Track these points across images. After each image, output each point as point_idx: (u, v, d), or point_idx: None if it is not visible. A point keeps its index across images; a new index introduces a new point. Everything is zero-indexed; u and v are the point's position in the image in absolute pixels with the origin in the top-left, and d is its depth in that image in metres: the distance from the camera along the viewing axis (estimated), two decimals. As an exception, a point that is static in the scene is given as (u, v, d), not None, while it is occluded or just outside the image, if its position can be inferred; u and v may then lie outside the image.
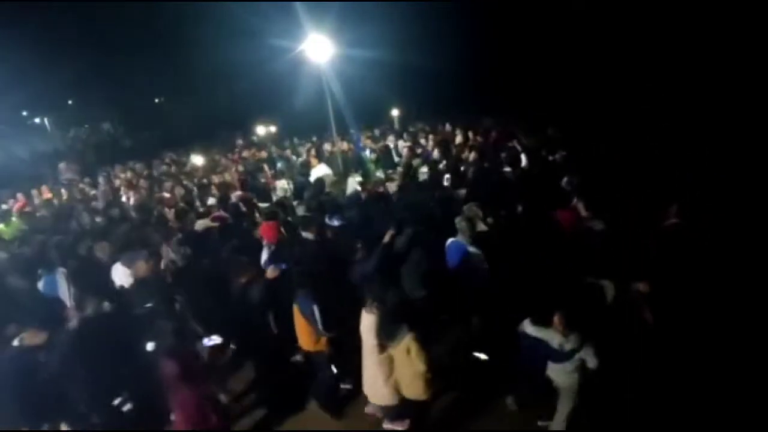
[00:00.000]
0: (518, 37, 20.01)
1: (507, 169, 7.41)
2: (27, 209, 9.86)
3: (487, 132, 11.10)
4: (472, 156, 8.17)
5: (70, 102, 32.99)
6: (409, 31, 19.79)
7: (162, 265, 4.80)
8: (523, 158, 7.74)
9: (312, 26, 8.94)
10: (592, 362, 3.24)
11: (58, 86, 24.30)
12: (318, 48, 8.55)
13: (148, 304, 3.97)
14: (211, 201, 7.98)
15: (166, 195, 8.92)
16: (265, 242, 4.82)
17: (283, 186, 8.58)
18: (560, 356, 3.29)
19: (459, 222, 4.46)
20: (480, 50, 20.18)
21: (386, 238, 4.45)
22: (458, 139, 10.56)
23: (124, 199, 10.05)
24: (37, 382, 3.28)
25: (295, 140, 14.88)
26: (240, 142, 18.00)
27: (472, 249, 4.33)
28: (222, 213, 6.36)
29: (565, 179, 6.17)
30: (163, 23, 24.30)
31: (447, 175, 7.01)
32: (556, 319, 3.25)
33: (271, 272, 4.31)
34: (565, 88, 16.23)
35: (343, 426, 4.09)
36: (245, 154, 13.69)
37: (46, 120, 32.37)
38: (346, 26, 11.51)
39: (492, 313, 4.31)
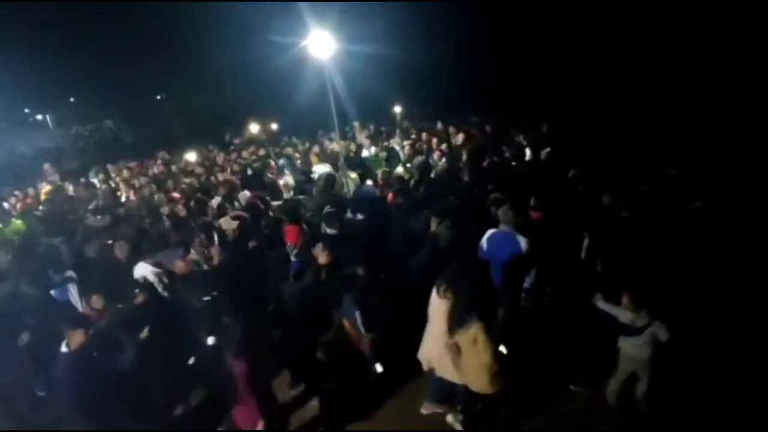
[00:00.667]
0: (519, 35, 19.87)
1: (512, 163, 7.49)
2: (28, 204, 9.84)
3: (482, 129, 11.11)
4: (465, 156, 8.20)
5: (71, 99, 32.94)
6: (413, 27, 19.60)
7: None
8: (528, 152, 7.90)
9: (314, 22, 8.87)
10: (663, 335, 3.35)
11: (60, 83, 24.30)
12: (320, 44, 8.52)
13: (206, 298, 4.01)
14: (214, 201, 7.99)
15: (176, 195, 8.91)
16: (288, 244, 4.84)
17: (290, 183, 8.61)
18: (631, 330, 3.44)
19: (504, 212, 4.37)
20: (481, 49, 20.02)
21: (433, 228, 4.48)
22: (459, 138, 10.55)
23: (123, 198, 10.03)
24: (100, 383, 3.28)
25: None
26: (237, 141, 17.93)
27: (522, 239, 4.19)
28: (241, 212, 6.29)
29: (571, 171, 6.23)
30: (165, 21, 24.21)
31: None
32: (625, 300, 3.39)
33: (323, 258, 4.23)
34: (565, 87, 16.16)
35: (381, 426, 4.04)
36: (244, 154, 13.61)
37: (48, 117, 32.42)
38: (348, 22, 11.42)
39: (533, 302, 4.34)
